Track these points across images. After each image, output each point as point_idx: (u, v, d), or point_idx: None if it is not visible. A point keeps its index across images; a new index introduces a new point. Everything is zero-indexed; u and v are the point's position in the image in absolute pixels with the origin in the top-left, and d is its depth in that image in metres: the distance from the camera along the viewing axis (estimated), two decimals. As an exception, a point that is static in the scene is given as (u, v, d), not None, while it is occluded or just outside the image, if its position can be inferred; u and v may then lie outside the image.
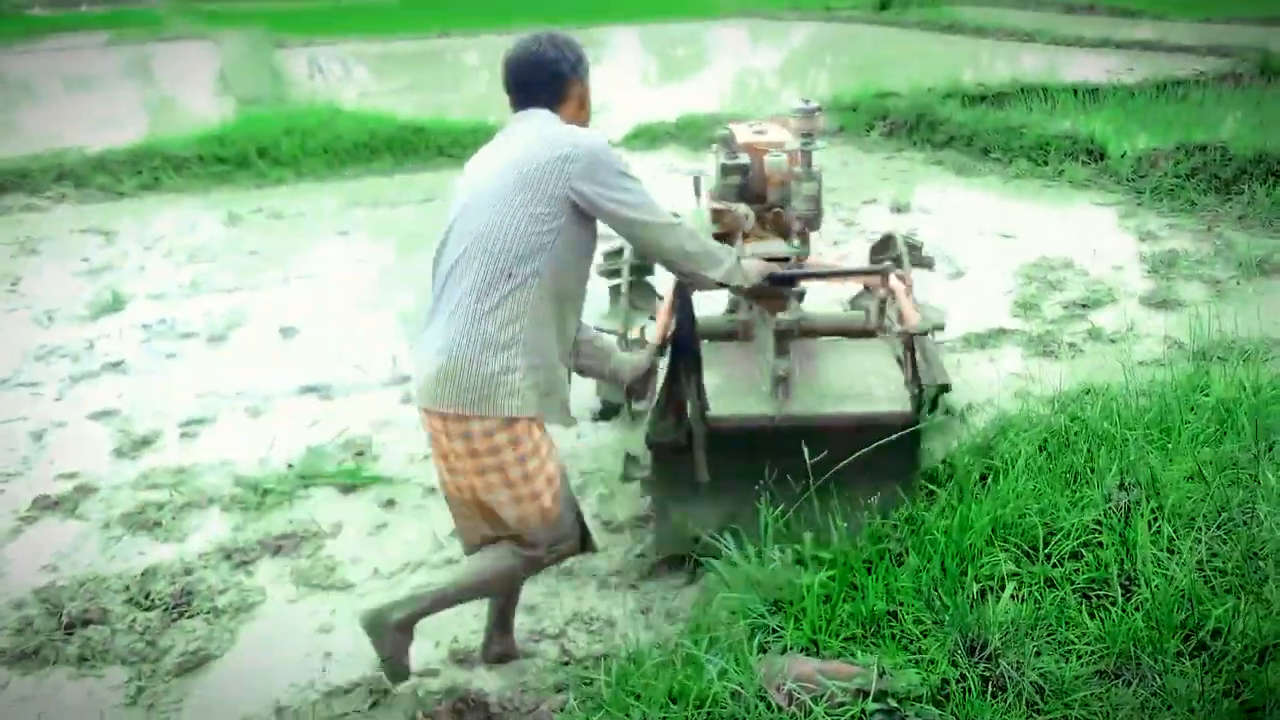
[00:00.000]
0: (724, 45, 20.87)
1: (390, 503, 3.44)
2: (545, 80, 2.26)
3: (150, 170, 8.15)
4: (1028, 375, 4.27)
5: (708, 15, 25.35)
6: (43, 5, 34.23)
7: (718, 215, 3.20)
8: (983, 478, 2.81)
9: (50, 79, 17.00)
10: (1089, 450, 2.72)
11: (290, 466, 3.65)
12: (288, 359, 4.72)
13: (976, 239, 6.35)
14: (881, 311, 3.25)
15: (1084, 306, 5.13)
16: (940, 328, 3.36)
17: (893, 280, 3.14)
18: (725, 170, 3.34)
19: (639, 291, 3.79)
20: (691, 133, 9.46)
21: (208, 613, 2.79)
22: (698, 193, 3.41)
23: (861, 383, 3.03)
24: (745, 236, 3.09)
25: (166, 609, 2.80)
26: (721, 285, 2.34)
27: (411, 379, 2.32)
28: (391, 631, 2.25)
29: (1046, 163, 8.03)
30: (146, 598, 2.86)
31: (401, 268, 6.12)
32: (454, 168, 8.65)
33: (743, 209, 3.08)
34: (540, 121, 2.22)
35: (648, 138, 9.73)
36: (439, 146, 8.90)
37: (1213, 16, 20.81)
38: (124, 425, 4.03)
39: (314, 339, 4.96)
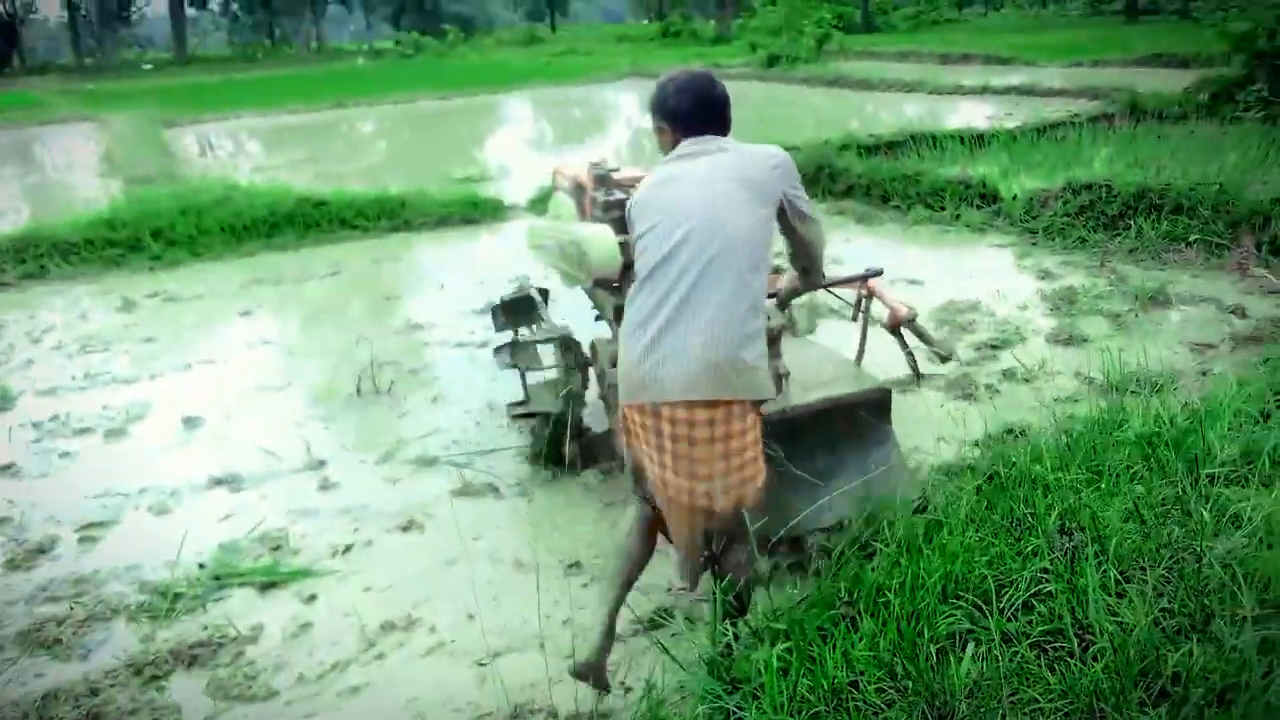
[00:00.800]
0: (617, 106, 21.21)
1: (313, 598, 3.25)
2: (722, 109, 2.60)
3: (35, 258, 7.75)
4: (949, 418, 4.33)
5: (598, 79, 25.80)
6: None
7: (623, 247, 3.41)
8: (926, 530, 2.81)
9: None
10: (1025, 495, 2.73)
11: (202, 567, 3.43)
12: (193, 450, 4.48)
13: (885, 286, 6.45)
14: (857, 306, 3.82)
15: (995, 347, 5.25)
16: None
17: (872, 281, 3.71)
18: (606, 206, 3.69)
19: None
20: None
21: (117, 739, 2.57)
22: None
23: (824, 372, 3.47)
24: None
25: (71, 739, 2.56)
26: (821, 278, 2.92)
27: (636, 390, 2.39)
28: None
29: (943, 208, 8.30)
30: (48, 727, 2.61)
31: (309, 345, 5.93)
32: (360, 239, 8.51)
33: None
34: (730, 143, 2.56)
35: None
36: (342, 219, 8.72)
37: (1080, 60, 22.09)
38: (16, 534, 3.74)
39: (220, 427, 4.72)
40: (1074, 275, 6.45)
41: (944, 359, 3.48)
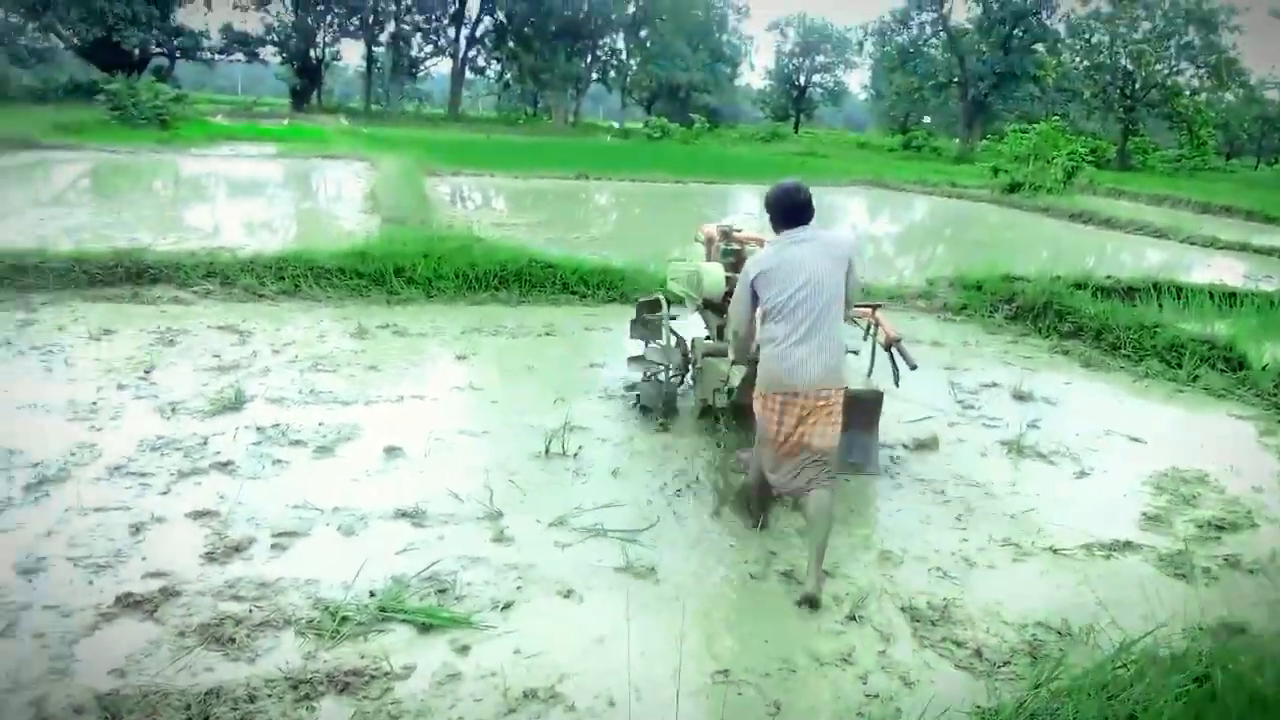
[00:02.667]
0: (845, 209, 21.12)
1: (465, 649, 3.31)
2: (807, 206, 4.09)
3: (292, 276, 8.54)
4: (1158, 596, 3.94)
5: (832, 182, 25.90)
6: (226, 115, 37.65)
7: (727, 280, 5.33)
8: None
9: (218, 182, 18.39)
10: (1240, 713, 2.41)
11: (372, 595, 3.59)
12: (388, 479, 4.74)
13: (1103, 438, 6.03)
14: (868, 330, 5.22)
15: (1220, 528, 4.76)
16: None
17: (877, 311, 5.15)
18: (724, 253, 5.70)
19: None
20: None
21: (264, 748, 2.69)
22: None
23: None
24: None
25: (224, 737, 2.71)
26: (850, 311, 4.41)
27: (778, 384, 3.96)
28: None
29: (1180, 365, 7.69)
30: (206, 720, 2.78)
31: (511, 397, 6.15)
32: (577, 304, 8.86)
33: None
34: (818, 232, 4.08)
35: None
36: (565, 283, 9.11)
37: (1363, 232, 20.13)
38: (220, 528, 4.06)
39: (416, 462, 4.97)
40: (1328, 466, 5.77)
41: (912, 367, 4.98)
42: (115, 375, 5.97)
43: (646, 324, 6.24)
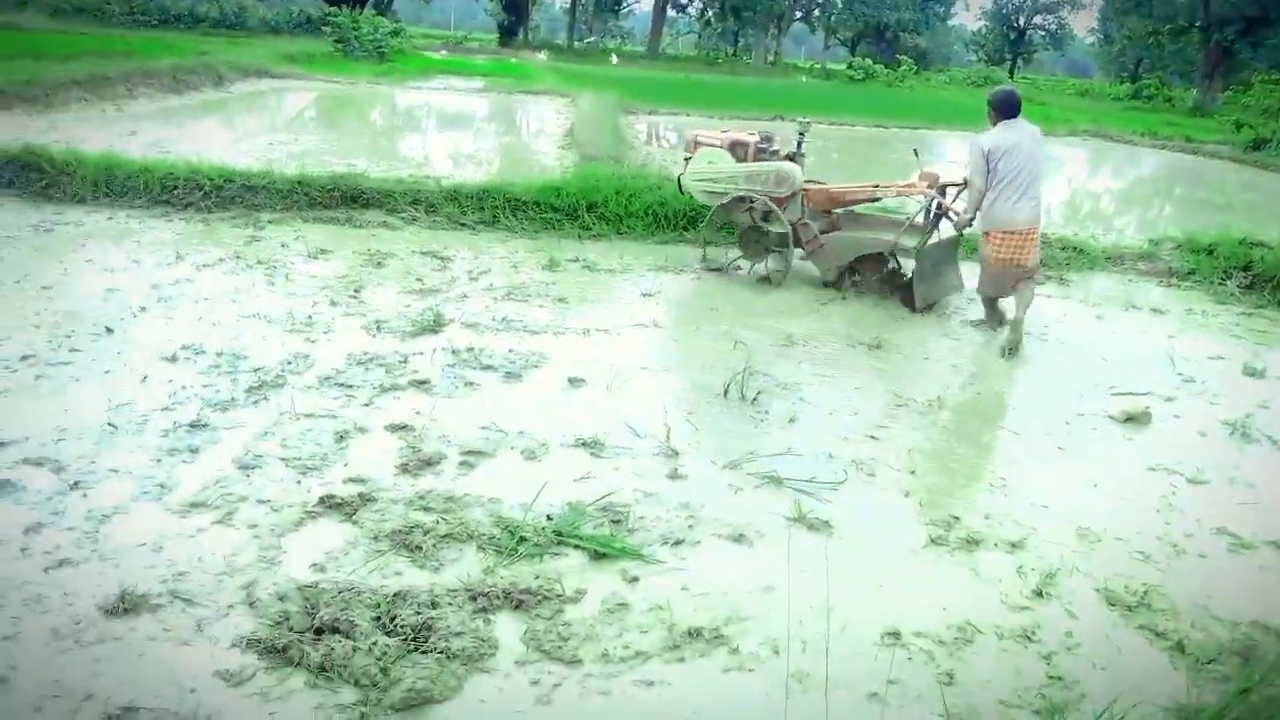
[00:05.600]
0: (1061, 162, 19.63)
1: (635, 581, 3.35)
2: (1019, 105, 6.22)
3: (492, 207, 8.82)
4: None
5: (1047, 132, 24.12)
6: (448, 49, 39.33)
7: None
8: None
9: (429, 114, 19.18)
10: None
11: (549, 519, 3.69)
12: (570, 408, 4.84)
13: None
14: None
15: None
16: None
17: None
18: (771, 154, 7.57)
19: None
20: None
21: (441, 653, 2.82)
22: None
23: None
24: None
25: (406, 639, 2.86)
26: None
27: (1008, 225, 6.16)
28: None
29: None
30: (392, 621, 2.94)
31: (693, 338, 6.15)
32: (764, 249, 8.66)
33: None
34: (1025, 123, 6.21)
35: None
36: (755, 225, 8.94)
37: None
38: (415, 442, 4.27)
39: (598, 394, 5.05)
40: None
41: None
42: (329, 292, 6.37)
43: (720, 228, 7.88)
